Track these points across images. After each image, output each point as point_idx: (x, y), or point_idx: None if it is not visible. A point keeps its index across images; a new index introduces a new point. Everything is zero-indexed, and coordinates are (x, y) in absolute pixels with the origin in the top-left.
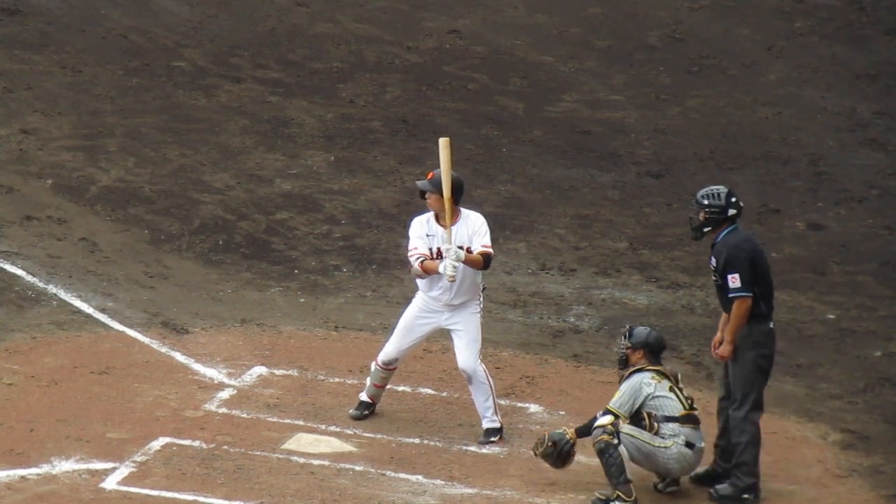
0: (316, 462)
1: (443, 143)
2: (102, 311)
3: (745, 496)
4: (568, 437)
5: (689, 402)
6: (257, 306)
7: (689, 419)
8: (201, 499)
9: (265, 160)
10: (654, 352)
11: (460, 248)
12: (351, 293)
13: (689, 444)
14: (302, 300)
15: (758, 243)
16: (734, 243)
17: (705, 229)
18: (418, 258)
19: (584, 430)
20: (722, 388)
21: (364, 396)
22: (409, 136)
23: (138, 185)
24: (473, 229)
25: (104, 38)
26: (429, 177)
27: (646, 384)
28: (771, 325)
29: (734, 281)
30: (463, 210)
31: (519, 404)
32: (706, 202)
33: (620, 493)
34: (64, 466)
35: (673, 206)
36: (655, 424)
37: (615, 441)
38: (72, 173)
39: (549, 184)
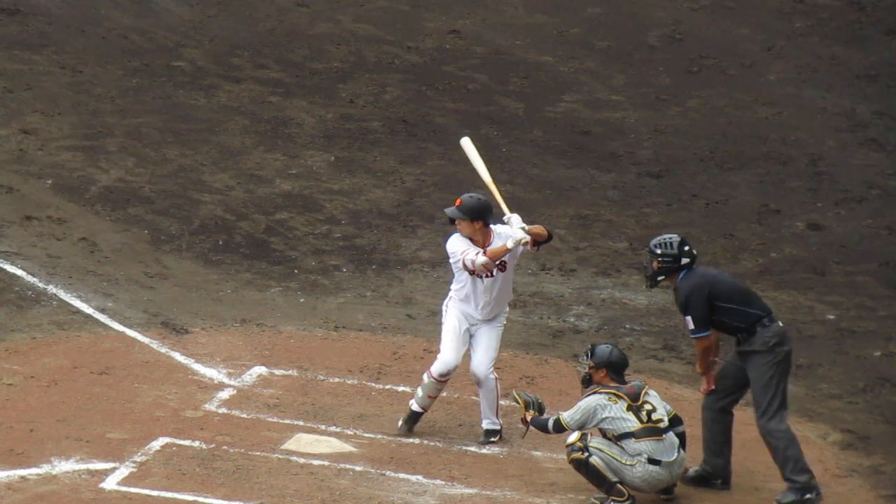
0: (316, 462)
1: (464, 143)
2: (102, 311)
3: (808, 496)
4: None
5: (657, 417)
6: (257, 306)
7: (648, 432)
8: (201, 499)
9: (265, 160)
10: (617, 370)
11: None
12: (351, 293)
13: (654, 461)
14: (302, 300)
15: (712, 272)
16: (686, 287)
17: (659, 278)
18: (478, 251)
19: (537, 423)
20: (717, 384)
21: (416, 406)
22: (409, 136)
23: (138, 185)
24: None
25: (104, 38)
26: (457, 203)
27: (600, 406)
28: (780, 324)
29: (689, 323)
30: (493, 227)
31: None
32: (658, 252)
33: (613, 498)
34: (64, 466)
35: (673, 207)
36: (620, 443)
37: (585, 455)
38: (72, 173)
39: (549, 184)
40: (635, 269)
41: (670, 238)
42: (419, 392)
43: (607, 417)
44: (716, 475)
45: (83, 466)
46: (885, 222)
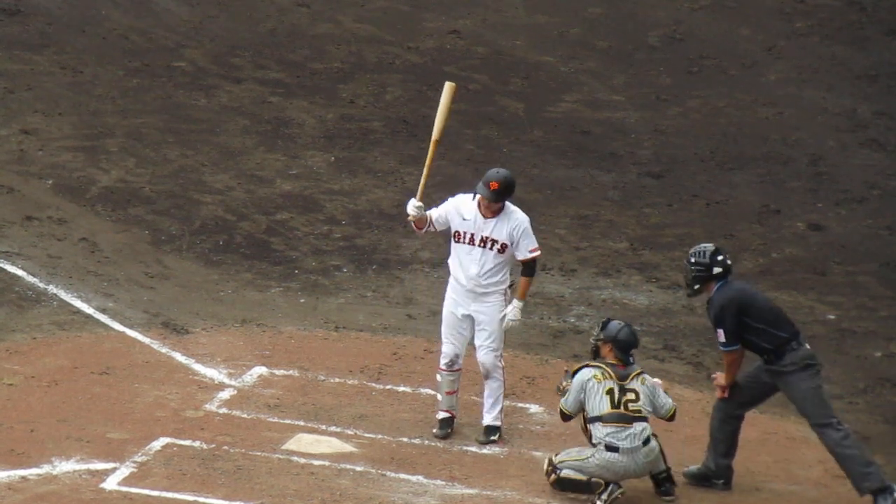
0: (316, 462)
1: (448, 86)
2: (103, 311)
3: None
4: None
5: (634, 408)
6: (257, 306)
7: (615, 418)
8: (201, 499)
9: (265, 160)
10: (621, 348)
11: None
12: (351, 293)
13: (611, 448)
14: (302, 300)
15: (748, 290)
16: (720, 300)
17: (696, 287)
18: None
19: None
20: (737, 392)
21: (441, 413)
22: (409, 136)
23: (139, 185)
24: (518, 231)
25: (104, 39)
26: (494, 187)
27: (587, 381)
28: (807, 346)
29: (720, 336)
30: (508, 205)
31: (519, 404)
32: (693, 260)
33: (597, 495)
34: (64, 467)
35: (673, 207)
36: (588, 426)
37: (556, 473)
38: (72, 173)
39: (549, 184)
40: (636, 270)
41: (704, 248)
42: (437, 396)
43: (589, 395)
44: (718, 475)
45: (84, 466)
46: (886, 222)
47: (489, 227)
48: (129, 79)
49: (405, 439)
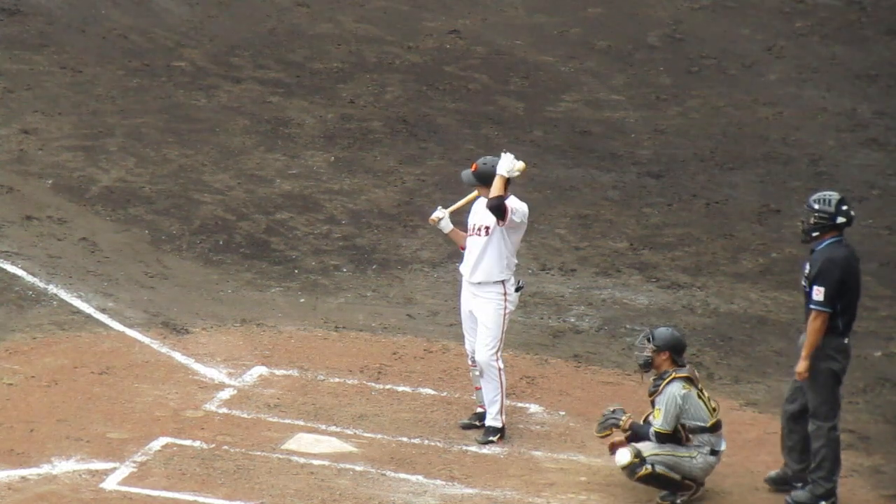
0: (316, 462)
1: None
2: (103, 311)
3: (822, 502)
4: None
5: (713, 405)
6: (257, 306)
7: (717, 426)
8: (201, 499)
9: (265, 160)
10: (678, 352)
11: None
12: (351, 293)
13: (713, 452)
14: (302, 300)
15: (856, 261)
16: (832, 257)
17: (813, 234)
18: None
19: (639, 431)
20: (789, 392)
21: (478, 407)
22: (409, 136)
23: (138, 185)
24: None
25: (104, 38)
26: (473, 169)
27: (679, 396)
28: (846, 341)
29: (818, 294)
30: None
31: (519, 404)
32: (816, 207)
33: (681, 493)
34: (64, 466)
35: (673, 206)
36: (690, 436)
37: (650, 468)
38: (72, 173)
39: (549, 184)
40: (636, 269)
41: (830, 195)
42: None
43: (688, 408)
44: (797, 479)
45: (83, 466)
46: (885, 222)
47: (482, 215)
48: (128, 79)
49: (405, 439)
